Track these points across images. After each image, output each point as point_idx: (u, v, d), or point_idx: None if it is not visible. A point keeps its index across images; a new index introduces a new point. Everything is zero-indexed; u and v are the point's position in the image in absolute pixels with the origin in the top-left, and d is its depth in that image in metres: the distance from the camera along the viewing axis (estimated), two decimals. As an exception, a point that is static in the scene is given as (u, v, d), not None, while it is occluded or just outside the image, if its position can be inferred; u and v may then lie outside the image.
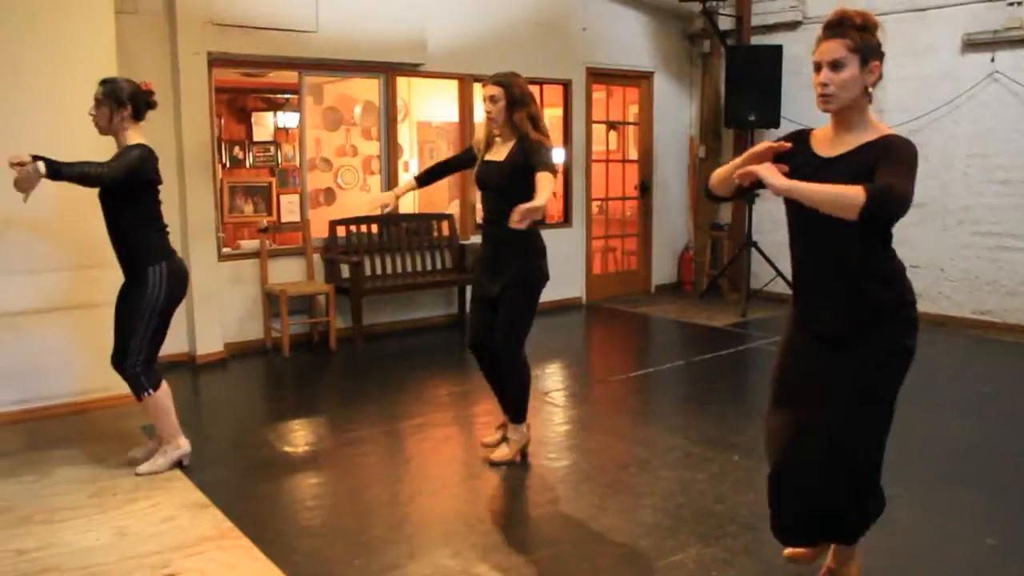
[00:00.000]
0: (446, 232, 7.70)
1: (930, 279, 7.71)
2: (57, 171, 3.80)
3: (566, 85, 8.35)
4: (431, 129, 10.00)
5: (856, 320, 2.71)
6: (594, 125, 8.72)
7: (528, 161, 4.02)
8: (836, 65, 2.61)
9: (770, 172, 2.51)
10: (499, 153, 4.17)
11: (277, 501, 4.07)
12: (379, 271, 7.23)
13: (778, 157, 2.65)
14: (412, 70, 7.34)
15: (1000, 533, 3.49)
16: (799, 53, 8.28)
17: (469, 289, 7.51)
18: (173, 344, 6.23)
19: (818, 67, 2.66)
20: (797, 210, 2.68)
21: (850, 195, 2.37)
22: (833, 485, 2.80)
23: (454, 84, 7.84)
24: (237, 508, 3.87)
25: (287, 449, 4.74)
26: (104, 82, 4.12)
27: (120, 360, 4.18)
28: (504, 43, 7.77)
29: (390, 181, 7.44)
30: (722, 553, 3.37)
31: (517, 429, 4.38)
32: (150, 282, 4.09)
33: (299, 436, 5.03)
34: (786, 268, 8.28)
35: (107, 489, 4.09)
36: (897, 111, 7.62)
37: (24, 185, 3.80)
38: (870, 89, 2.65)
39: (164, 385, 4.24)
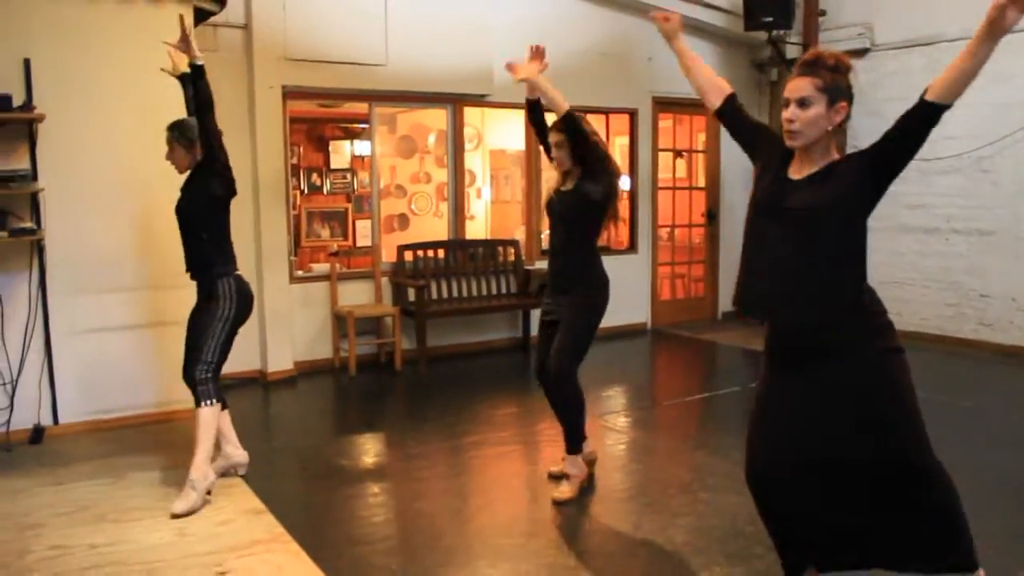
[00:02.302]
0: (512, 257, 7.89)
1: (1000, 308, 7.54)
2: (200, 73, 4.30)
3: (632, 114, 8.49)
4: (505, 156, 10.24)
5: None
6: (660, 153, 8.82)
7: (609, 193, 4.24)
8: (803, 103, 2.71)
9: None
10: (569, 183, 4.33)
11: (329, 510, 4.28)
12: (445, 294, 7.47)
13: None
14: (479, 100, 7.59)
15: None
16: (867, 80, 8.26)
17: (534, 313, 7.77)
18: (245, 361, 6.61)
19: (787, 103, 2.76)
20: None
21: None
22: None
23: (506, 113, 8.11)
24: (291, 515, 4.10)
25: (344, 462, 4.97)
26: (172, 127, 4.44)
27: (190, 370, 4.39)
28: (570, 73, 7.92)
29: (458, 208, 7.69)
30: (745, 572, 3.43)
31: (574, 462, 4.34)
32: (221, 294, 4.35)
33: (357, 450, 5.27)
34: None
35: (174, 493, 4.35)
36: (969, 137, 7.51)
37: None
38: (830, 129, 2.74)
39: (219, 407, 4.36)
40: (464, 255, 7.67)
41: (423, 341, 6.92)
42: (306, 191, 9.30)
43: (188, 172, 4.52)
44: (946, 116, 2.78)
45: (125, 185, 5.40)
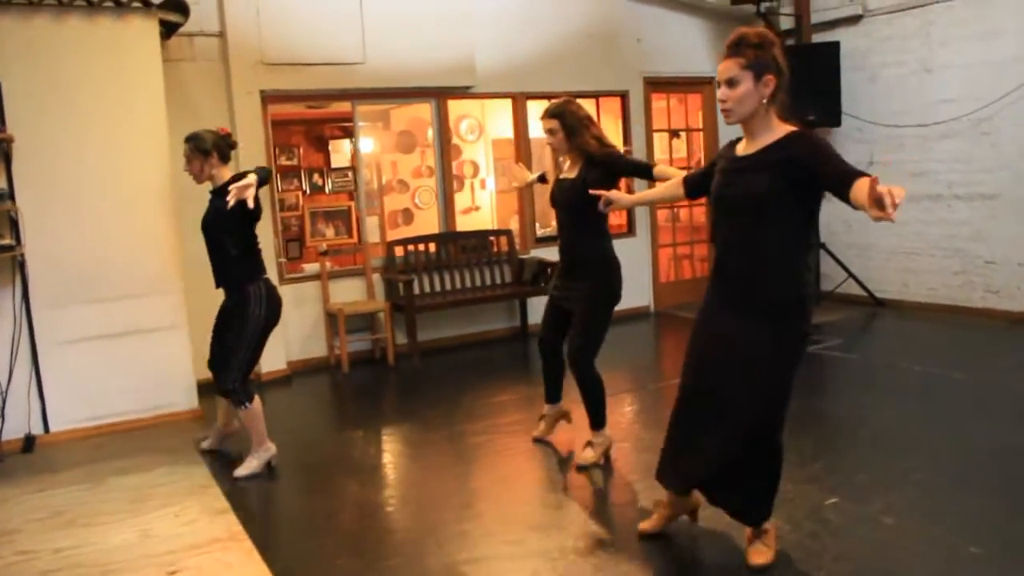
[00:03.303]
0: (505, 247, 7.91)
1: (1007, 274, 7.34)
2: (260, 180, 4.41)
3: (623, 96, 8.43)
4: (509, 145, 10.22)
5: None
6: (656, 134, 8.75)
7: (613, 173, 4.32)
8: (731, 82, 2.93)
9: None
10: (571, 172, 4.39)
11: (292, 508, 4.37)
12: (437, 287, 7.52)
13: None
14: (463, 93, 7.61)
15: (986, 541, 3.38)
16: (861, 47, 8.11)
17: (531, 302, 7.79)
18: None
19: (719, 85, 2.99)
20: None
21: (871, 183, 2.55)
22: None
23: (541, 104, 8.04)
24: (254, 514, 4.21)
25: (319, 458, 5.03)
26: (188, 139, 4.61)
27: (222, 373, 4.64)
28: (556, 59, 7.95)
29: (447, 201, 7.73)
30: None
31: (599, 434, 4.54)
32: (252, 300, 4.52)
33: (337, 447, 5.31)
34: (857, 269, 8.14)
35: (147, 496, 4.49)
36: (966, 99, 7.32)
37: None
38: (764, 101, 2.94)
39: (257, 398, 4.68)
40: (456, 247, 7.70)
41: (413, 335, 6.99)
42: (308, 191, 9.43)
43: (212, 186, 4.67)
44: (942, 78, 2.93)
45: (103, 197, 5.53)
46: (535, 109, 8.20)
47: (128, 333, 5.65)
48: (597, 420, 4.52)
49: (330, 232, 9.52)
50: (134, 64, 5.57)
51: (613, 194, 3.88)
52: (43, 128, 5.35)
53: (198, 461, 4.99)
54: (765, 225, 2.95)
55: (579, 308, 4.35)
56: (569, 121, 4.31)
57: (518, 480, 4.50)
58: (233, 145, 4.73)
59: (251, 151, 6.62)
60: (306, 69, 6.73)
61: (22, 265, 5.35)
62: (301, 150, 9.35)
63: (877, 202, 2.46)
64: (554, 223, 4.65)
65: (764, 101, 2.92)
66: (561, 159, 4.52)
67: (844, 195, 2.72)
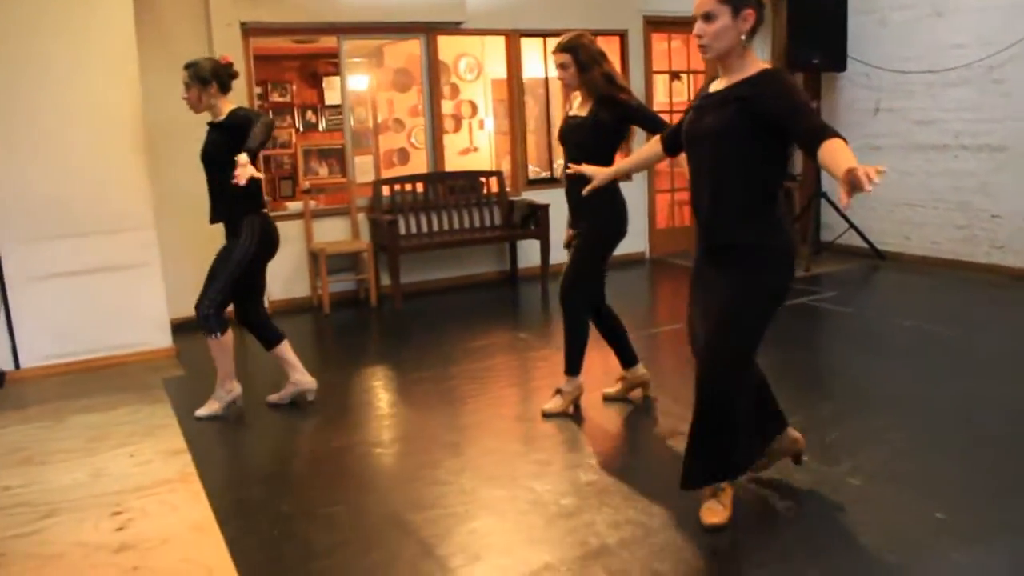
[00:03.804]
0: (495, 189, 7.74)
1: (1013, 229, 7.09)
2: (253, 153, 4.12)
3: (622, 36, 8.15)
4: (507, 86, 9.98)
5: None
6: (656, 76, 8.48)
7: (622, 117, 4.13)
8: (708, 17, 2.79)
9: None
10: (582, 109, 4.23)
11: (249, 449, 4.31)
12: (424, 229, 7.37)
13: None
14: (453, 29, 7.37)
15: (953, 507, 3.23)
16: (871, -13, 7.77)
17: (521, 245, 7.63)
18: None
19: (694, 19, 2.83)
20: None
21: (846, 148, 2.52)
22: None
23: (533, 42, 7.84)
24: (210, 455, 4.13)
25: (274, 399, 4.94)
26: (187, 66, 4.43)
27: (200, 301, 4.46)
28: (550, -3, 7.68)
29: (435, 141, 7.54)
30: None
31: (571, 380, 4.40)
32: (244, 233, 4.41)
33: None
34: (859, 220, 7.91)
35: (106, 435, 4.43)
36: (978, 44, 7.00)
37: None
38: (743, 37, 2.81)
39: (230, 332, 4.53)
40: (444, 188, 7.54)
41: (396, 277, 6.87)
42: (301, 129, 9.25)
43: (211, 117, 4.49)
44: (954, 22, 2.78)
45: (72, 130, 5.39)
46: (529, 47, 7.98)
47: (100, 270, 5.56)
48: (571, 364, 4.38)
49: (324, 171, 9.38)
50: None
51: (588, 169, 3.76)
52: (9, 59, 5.20)
53: (163, 400, 4.93)
54: (727, 163, 2.86)
55: (578, 243, 4.25)
56: (582, 56, 4.11)
57: (481, 428, 4.39)
58: (234, 75, 4.52)
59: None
60: (289, 0, 6.51)
61: (-10, 199, 5.26)
62: (294, 86, 9.16)
63: (852, 184, 2.34)
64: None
65: (742, 37, 2.79)
66: (572, 95, 4.36)
67: (811, 152, 2.61)
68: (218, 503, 3.57)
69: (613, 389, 4.59)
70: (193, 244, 6.50)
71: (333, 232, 7.13)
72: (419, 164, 9.47)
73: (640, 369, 4.56)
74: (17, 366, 5.44)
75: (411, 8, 6.98)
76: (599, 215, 4.20)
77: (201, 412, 4.60)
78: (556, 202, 7.62)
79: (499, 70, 9.68)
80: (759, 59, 2.88)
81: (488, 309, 6.99)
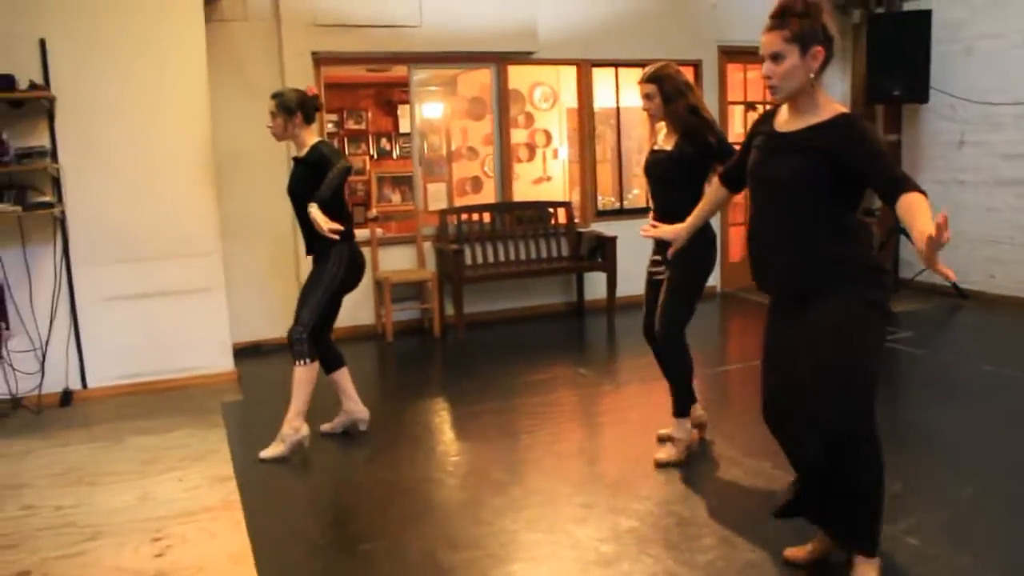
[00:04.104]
0: (563, 220, 7.67)
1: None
2: (325, 201, 4.26)
3: (696, 65, 8.02)
4: (598, 114, 9.90)
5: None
6: (731, 107, 8.31)
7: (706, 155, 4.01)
8: (776, 57, 2.69)
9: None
10: (667, 142, 4.13)
11: (294, 478, 4.29)
12: (490, 259, 7.35)
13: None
14: (524, 59, 7.37)
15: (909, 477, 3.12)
16: (957, 17, 7.48)
17: (588, 277, 7.54)
18: (280, 328, 6.73)
19: (763, 59, 2.74)
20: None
21: (925, 204, 2.49)
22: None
23: (606, 72, 7.81)
24: (256, 482, 4.14)
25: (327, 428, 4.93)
26: (274, 96, 4.53)
27: (293, 325, 4.51)
28: (624, 24, 7.61)
29: (504, 170, 7.53)
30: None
31: (680, 425, 4.20)
32: (332, 258, 4.45)
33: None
34: (941, 256, 7.46)
35: (159, 458, 4.50)
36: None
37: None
38: (812, 76, 2.69)
39: (316, 362, 4.51)
40: (512, 218, 7.50)
41: (460, 306, 6.84)
42: (375, 156, 9.36)
43: (295, 149, 4.59)
44: None
45: (143, 156, 5.56)
46: (601, 77, 7.92)
47: (166, 293, 5.68)
48: (679, 404, 4.18)
49: (396, 197, 9.46)
50: (176, 23, 5.55)
51: (665, 231, 3.67)
52: (85, 87, 5.39)
53: (219, 424, 4.99)
54: (803, 210, 2.73)
55: (671, 278, 4.09)
56: (667, 87, 4.01)
57: (531, 465, 4.30)
58: (319, 107, 4.64)
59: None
60: (359, 31, 6.60)
61: (63, 222, 5.43)
62: (369, 114, 9.29)
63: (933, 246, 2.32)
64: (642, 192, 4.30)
65: (812, 75, 2.68)
66: (657, 127, 4.23)
67: (889, 203, 2.55)
68: (257, 533, 3.56)
69: (666, 430, 4.42)
70: (257, 270, 6.65)
71: (400, 260, 7.16)
72: (492, 192, 9.46)
73: (698, 409, 4.39)
74: (84, 385, 5.59)
75: (482, 38, 7.00)
76: (691, 250, 3.95)
77: (265, 454, 4.46)
78: (625, 234, 7.54)
79: (574, 99, 9.67)
80: (830, 97, 2.76)
81: (552, 342, 6.90)
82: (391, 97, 9.49)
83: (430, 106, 9.50)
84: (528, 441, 4.56)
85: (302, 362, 4.44)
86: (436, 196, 9.42)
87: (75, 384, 5.57)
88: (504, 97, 7.44)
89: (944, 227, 2.26)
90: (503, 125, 7.49)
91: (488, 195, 9.21)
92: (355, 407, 4.76)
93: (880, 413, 2.96)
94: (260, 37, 6.47)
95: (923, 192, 2.50)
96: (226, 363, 5.87)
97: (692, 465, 4.14)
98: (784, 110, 2.83)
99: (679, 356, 4.15)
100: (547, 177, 9.84)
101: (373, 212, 7.34)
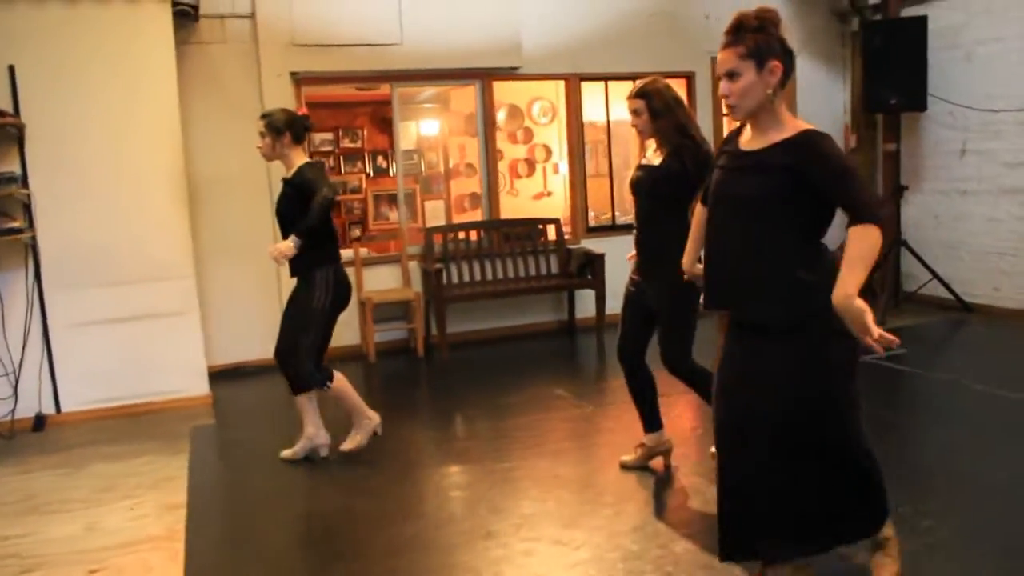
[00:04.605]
0: (553, 236, 7.56)
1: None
2: (307, 233, 4.30)
3: (689, 78, 7.89)
4: (591, 128, 9.80)
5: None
6: (725, 119, 8.15)
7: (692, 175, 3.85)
8: (732, 75, 2.62)
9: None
10: (655, 157, 4.03)
11: (246, 506, 4.22)
12: (477, 277, 7.26)
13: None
14: (509, 74, 7.29)
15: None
16: (956, 22, 7.28)
17: (579, 294, 7.42)
18: (263, 350, 6.70)
19: (720, 77, 2.69)
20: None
21: (870, 244, 2.42)
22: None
23: (596, 85, 7.72)
24: (207, 511, 4.09)
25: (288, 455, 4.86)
26: (263, 116, 4.56)
27: (288, 357, 4.54)
28: (613, 37, 7.51)
29: (490, 187, 7.45)
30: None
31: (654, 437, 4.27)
32: (316, 285, 4.44)
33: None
34: (944, 269, 7.34)
35: (116, 485, 4.47)
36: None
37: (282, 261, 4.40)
38: (770, 92, 2.59)
39: (338, 375, 4.55)
40: (499, 236, 7.41)
41: (442, 326, 6.76)
42: (371, 174, 9.33)
43: (284, 169, 4.58)
44: None
45: (114, 181, 5.56)
46: (590, 91, 7.82)
47: (139, 317, 5.67)
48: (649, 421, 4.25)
49: (393, 216, 9.42)
50: (146, 49, 5.56)
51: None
52: (56, 114, 5.41)
53: (184, 450, 4.94)
54: (768, 231, 2.61)
55: (663, 306, 3.97)
56: (655, 103, 3.91)
57: (477, 495, 4.18)
58: (309, 128, 4.66)
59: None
60: (339, 50, 6.57)
61: (34, 248, 5.44)
62: (365, 132, 9.26)
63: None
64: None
65: (770, 91, 2.58)
66: (646, 142, 4.11)
67: (849, 226, 2.46)
68: (193, 565, 3.50)
69: (630, 456, 4.31)
70: (239, 292, 6.62)
71: (387, 280, 7.10)
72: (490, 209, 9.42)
73: (664, 435, 4.28)
74: (58, 410, 5.59)
75: (465, 54, 6.94)
76: (673, 267, 3.74)
77: (346, 446, 4.64)
78: (616, 251, 7.41)
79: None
80: (790, 115, 2.67)
81: (536, 361, 6.77)
82: (387, 115, 9.42)
83: (427, 123, 9.47)
84: (484, 468, 4.42)
85: (327, 387, 4.50)
86: (434, 213, 9.38)
87: (48, 408, 5.57)
88: (490, 113, 7.37)
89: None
90: (489, 142, 7.41)
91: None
92: (316, 432, 4.69)
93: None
94: (239, 59, 6.46)
95: (879, 225, 2.41)
96: (201, 387, 5.84)
97: (654, 494, 4.00)
98: (748, 128, 2.74)
99: (697, 379, 4.01)
100: (547, 192, 9.75)
101: (356, 232, 7.27)
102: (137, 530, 3.90)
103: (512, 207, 9.62)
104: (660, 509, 3.81)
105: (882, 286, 7.42)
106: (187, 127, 6.27)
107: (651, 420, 4.28)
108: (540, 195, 9.72)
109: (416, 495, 4.17)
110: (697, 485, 4.03)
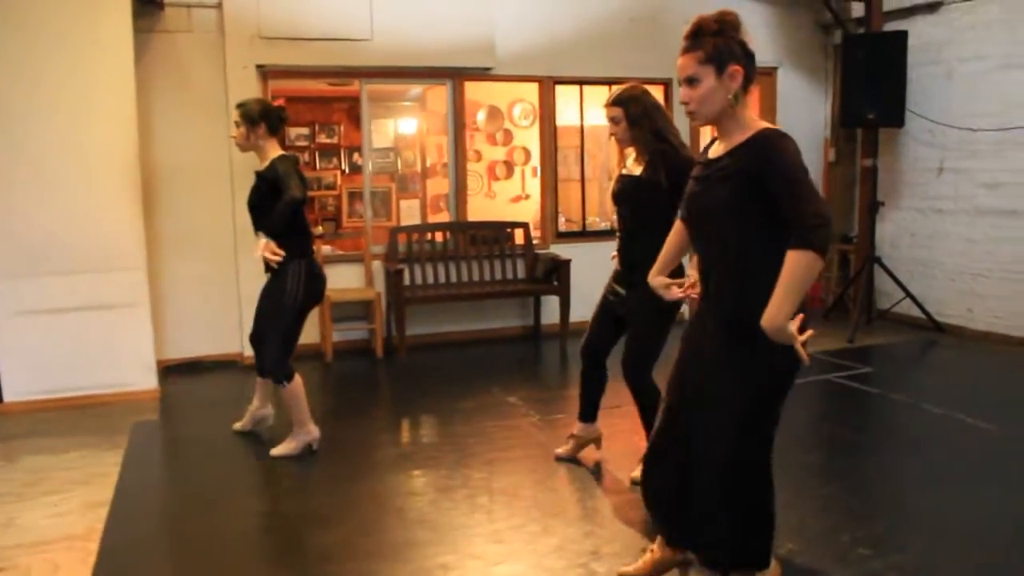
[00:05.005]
0: (521, 240, 7.46)
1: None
2: (272, 232, 4.28)
3: (666, 84, 7.77)
4: (567, 133, 9.71)
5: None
6: (703, 128, 8.04)
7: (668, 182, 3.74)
8: (691, 81, 2.56)
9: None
10: (635, 167, 3.94)
11: (173, 506, 4.11)
12: (442, 279, 7.16)
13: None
14: (482, 74, 7.19)
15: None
16: (937, 39, 7.18)
17: (544, 300, 7.31)
18: (223, 344, 6.62)
19: (681, 83, 2.63)
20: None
21: (805, 272, 2.37)
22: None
23: (572, 89, 7.61)
24: (131, 509, 3.97)
25: (232, 453, 4.76)
26: (238, 105, 4.51)
27: (260, 355, 4.64)
28: (590, 40, 7.41)
29: (457, 191, 7.36)
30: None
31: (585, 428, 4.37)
32: (289, 278, 4.39)
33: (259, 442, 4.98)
34: (918, 287, 7.23)
35: (44, 480, 4.36)
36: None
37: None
38: (730, 97, 2.53)
39: (297, 377, 4.50)
40: (464, 238, 7.31)
41: (401, 328, 6.66)
42: (347, 170, 9.22)
43: (258, 160, 4.55)
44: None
45: (65, 171, 5.45)
46: (565, 95, 7.71)
47: (87, 308, 5.56)
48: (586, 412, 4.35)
49: (369, 213, 9.31)
50: (103, 37, 5.46)
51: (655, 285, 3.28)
52: (8, 99, 5.30)
53: (120, 446, 4.83)
54: (732, 238, 2.57)
55: (637, 312, 3.88)
56: (632, 110, 3.83)
57: (408, 502, 4.08)
58: (284, 119, 4.59)
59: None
60: (307, 44, 6.47)
61: (-19, 234, 5.34)
62: (342, 128, 9.16)
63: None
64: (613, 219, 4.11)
65: (731, 96, 2.52)
66: (626, 151, 4.02)
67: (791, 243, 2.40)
68: (102, 567, 3.39)
69: (563, 448, 4.41)
70: (197, 285, 6.52)
71: (352, 279, 6.99)
72: (469, 210, 9.30)
73: (595, 426, 4.38)
74: (0, 399, 5.48)
75: (437, 53, 6.83)
76: (650, 292, 3.61)
77: (276, 451, 4.57)
78: (585, 257, 7.32)
79: (558, 117, 9.47)
80: (755, 118, 2.60)
81: (495, 366, 6.62)
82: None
83: (405, 121, 9.36)
84: (422, 476, 4.32)
85: (283, 385, 4.46)
86: (409, 212, 9.28)
87: (-9, 398, 5.47)
88: (460, 114, 7.26)
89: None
90: (459, 143, 7.31)
91: (468, 211, 9.03)
92: (261, 407, 4.90)
93: (795, 461, 2.75)
94: (205, 49, 6.35)
95: (818, 251, 2.35)
96: (149, 381, 5.73)
97: (584, 511, 3.90)
98: (718, 140, 2.69)
99: (646, 393, 3.93)
100: (526, 195, 9.66)
101: (319, 229, 7.17)
102: (55, 528, 3.79)
103: (488, 209, 9.53)
104: (588, 526, 3.68)
105: (855, 303, 7.31)
106: (150, 117, 6.22)
107: (588, 411, 4.36)
108: (518, 198, 9.63)
109: (347, 501, 4.06)
110: (626, 503, 3.92)
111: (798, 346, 2.40)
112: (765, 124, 2.56)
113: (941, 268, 7.30)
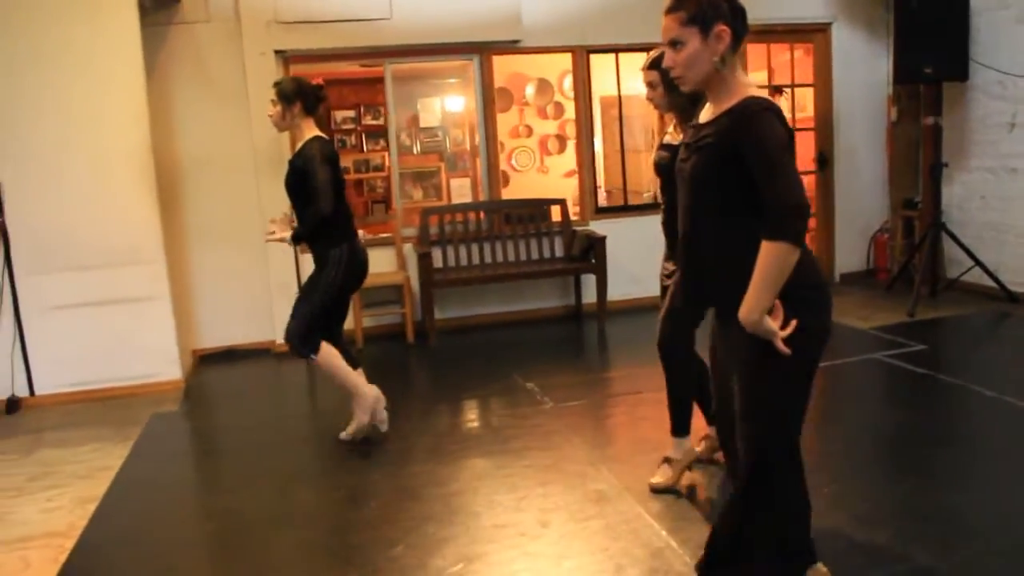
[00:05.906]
0: (558, 218, 7.21)
1: None
2: (299, 239, 4.35)
3: (708, 46, 7.36)
4: (605, 103, 9.34)
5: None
6: (752, 90, 7.60)
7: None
8: (675, 44, 2.42)
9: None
10: (677, 135, 3.67)
11: (163, 504, 4.09)
12: (476, 261, 6.99)
13: None
14: (509, 48, 6.94)
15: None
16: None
17: (585, 279, 7.04)
18: (255, 333, 6.65)
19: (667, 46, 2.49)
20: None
21: (777, 265, 2.26)
22: None
23: (607, 58, 7.31)
24: (119, 507, 3.99)
25: (253, 446, 4.73)
26: (274, 84, 4.49)
27: (286, 329, 4.49)
28: (623, 6, 7.05)
29: (490, 168, 7.16)
30: None
31: (678, 445, 3.75)
32: (330, 263, 4.39)
33: (280, 433, 4.99)
34: (989, 254, 6.63)
35: (50, 473, 4.45)
36: None
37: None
38: (715, 59, 2.36)
39: (326, 348, 4.40)
40: (499, 218, 7.11)
41: (430, 312, 6.53)
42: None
43: (295, 143, 4.54)
44: None
45: (81, 167, 5.53)
46: (600, 64, 7.39)
47: (111, 302, 5.65)
48: (676, 421, 3.77)
49: (418, 194, 9.24)
50: (112, 33, 5.48)
51: None
52: (21, 98, 5.40)
53: (132, 438, 4.88)
54: (715, 214, 2.44)
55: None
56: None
57: (401, 504, 3.95)
58: (322, 98, 4.50)
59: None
60: (324, 27, 6.36)
61: (4, 233, 5.47)
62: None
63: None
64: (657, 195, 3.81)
65: (717, 58, 2.36)
66: (667, 119, 3.78)
67: (762, 232, 2.28)
68: (70, 566, 3.41)
69: (699, 448, 3.89)
70: (228, 274, 6.55)
71: (385, 263, 6.91)
72: (519, 187, 9.13)
73: (705, 429, 3.95)
74: (32, 393, 5.64)
75: (460, 28, 6.63)
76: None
77: (344, 435, 4.56)
78: (624, 233, 7.05)
79: (607, 87, 9.14)
80: (745, 82, 2.42)
81: (525, 349, 6.41)
82: (412, 90, 9.24)
83: (452, 99, 9.20)
84: (412, 473, 4.15)
85: (311, 359, 4.40)
86: (461, 192, 9.14)
87: (22, 391, 5.62)
88: (489, 90, 7.04)
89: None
90: (488, 120, 7.09)
91: (515, 190, 8.88)
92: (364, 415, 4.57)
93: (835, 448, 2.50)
94: (223, 38, 6.33)
95: (791, 242, 2.23)
96: (173, 372, 5.79)
97: (572, 529, 3.69)
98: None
99: (677, 366, 3.69)
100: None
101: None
102: (40, 524, 3.85)
103: (542, 185, 9.33)
104: (572, 546, 3.37)
105: (919, 272, 6.79)
106: (172, 109, 6.27)
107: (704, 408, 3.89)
108: (571, 172, 9.35)
109: (340, 498, 3.98)
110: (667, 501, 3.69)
111: (777, 341, 2.28)
112: (753, 91, 2.38)
113: (1015, 232, 6.69)
